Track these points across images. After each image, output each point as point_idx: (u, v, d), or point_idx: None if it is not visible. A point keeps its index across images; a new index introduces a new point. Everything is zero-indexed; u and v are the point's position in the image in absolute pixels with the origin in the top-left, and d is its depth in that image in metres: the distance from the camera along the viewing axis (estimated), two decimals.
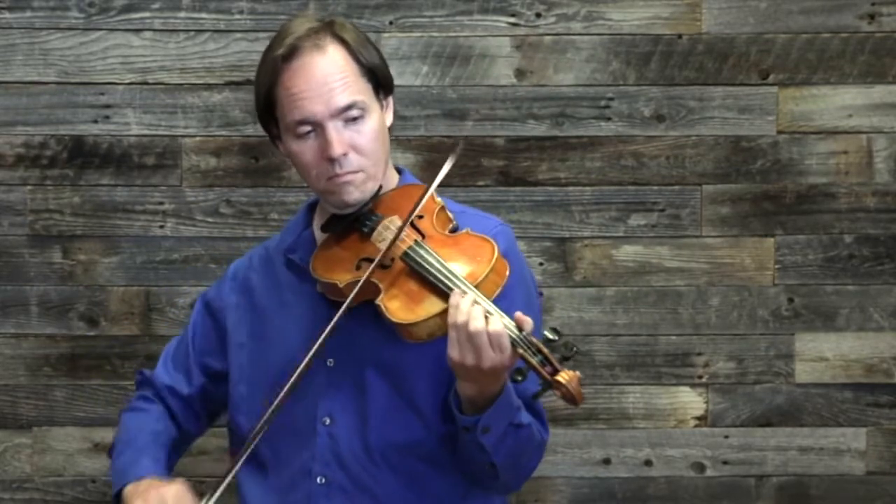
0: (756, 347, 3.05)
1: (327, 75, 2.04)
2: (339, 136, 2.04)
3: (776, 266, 3.05)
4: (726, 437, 3.06)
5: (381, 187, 2.10)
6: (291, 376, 1.98)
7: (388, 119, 2.14)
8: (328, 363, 2.08)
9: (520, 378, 1.87)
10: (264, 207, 3.01)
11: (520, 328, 1.87)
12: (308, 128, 2.05)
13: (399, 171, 2.21)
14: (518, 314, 1.88)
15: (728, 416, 3.06)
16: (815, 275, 3.04)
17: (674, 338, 3.05)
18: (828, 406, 3.06)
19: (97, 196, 3.00)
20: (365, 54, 2.08)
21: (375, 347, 2.04)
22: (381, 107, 2.11)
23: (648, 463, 3.06)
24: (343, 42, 2.07)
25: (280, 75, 2.06)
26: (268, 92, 2.08)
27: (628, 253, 3.04)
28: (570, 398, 1.82)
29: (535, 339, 1.85)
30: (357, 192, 2.07)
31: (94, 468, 3.03)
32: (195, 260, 3.01)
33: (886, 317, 3.05)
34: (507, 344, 1.86)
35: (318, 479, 2.07)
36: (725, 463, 3.06)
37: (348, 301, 1.97)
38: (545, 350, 1.84)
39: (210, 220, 3.01)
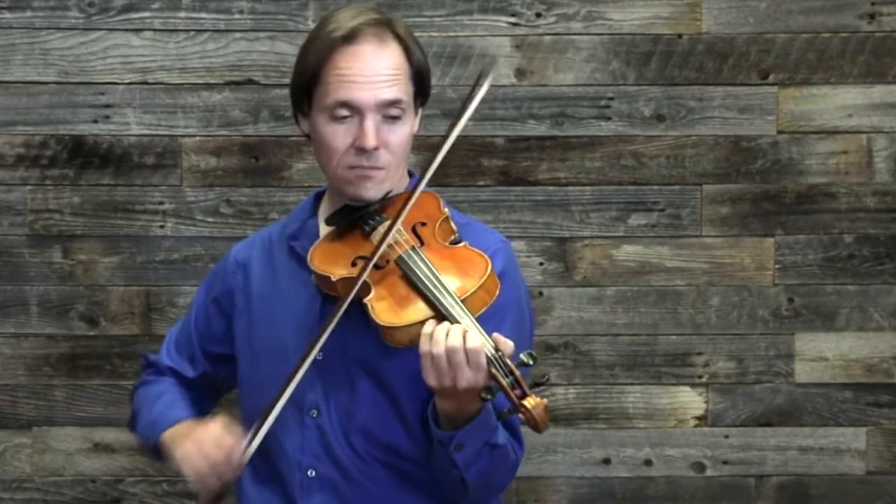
0: (756, 347, 3.05)
1: (382, 68, 2.04)
2: (375, 129, 2.04)
3: (776, 266, 3.05)
4: (726, 436, 3.06)
5: (391, 190, 2.11)
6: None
7: (415, 127, 2.15)
8: (317, 357, 2.08)
9: (488, 396, 1.87)
10: (264, 207, 3.02)
11: (496, 348, 1.86)
12: (347, 112, 2.04)
13: (411, 175, 2.22)
14: (496, 335, 1.88)
15: (728, 416, 3.06)
16: (815, 275, 3.04)
17: (674, 338, 3.05)
18: (828, 406, 3.06)
19: (97, 196, 3.00)
20: (418, 56, 2.10)
21: (363, 347, 2.04)
22: (416, 114, 2.13)
23: (648, 463, 3.06)
24: (402, 42, 2.08)
25: (334, 55, 2.04)
26: (315, 68, 2.06)
27: (628, 253, 3.04)
28: (534, 424, 1.83)
29: (509, 361, 1.85)
30: (373, 189, 2.08)
31: (94, 468, 3.03)
32: (195, 260, 3.01)
33: (886, 317, 3.05)
34: (483, 361, 1.86)
35: (309, 472, 2.08)
36: (725, 463, 3.06)
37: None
38: (517, 373, 1.85)
39: (210, 220, 3.01)
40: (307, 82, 2.08)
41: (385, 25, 2.07)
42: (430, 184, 2.09)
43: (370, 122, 2.04)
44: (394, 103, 2.04)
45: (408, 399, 2.04)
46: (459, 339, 1.85)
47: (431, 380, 1.88)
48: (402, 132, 2.07)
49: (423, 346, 1.88)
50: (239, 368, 2.21)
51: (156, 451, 2.17)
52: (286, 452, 2.09)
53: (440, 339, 1.87)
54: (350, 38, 2.04)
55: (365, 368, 2.06)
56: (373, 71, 2.03)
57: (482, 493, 2.06)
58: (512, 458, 2.05)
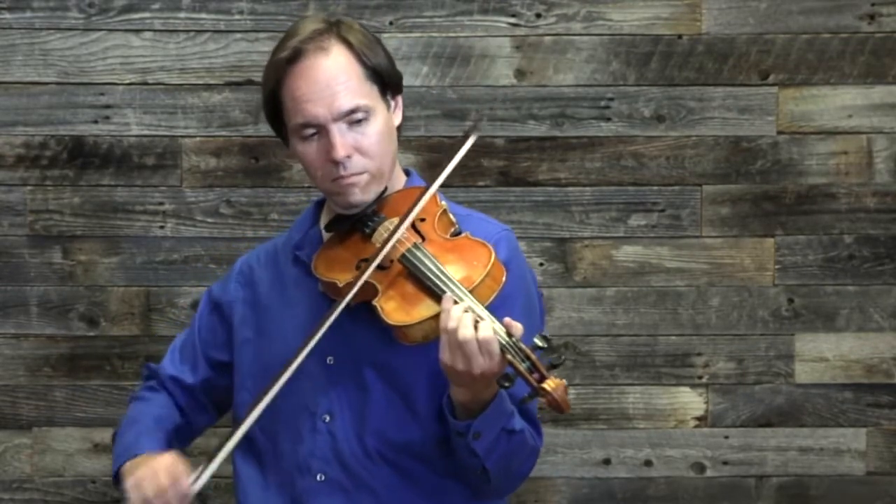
0: (756, 348, 3.05)
1: (330, 78, 2.04)
2: (342, 139, 2.04)
3: (776, 266, 3.05)
4: (726, 437, 3.06)
5: (386, 188, 2.10)
6: (286, 367, 1.98)
7: (397, 119, 2.14)
8: (328, 361, 2.09)
9: (507, 384, 1.88)
10: (264, 208, 3.01)
11: (509, 334, 1.87)
12: (312, 130, 2.05)
13: (407, 172, 2.21)
14: (507, 320, 1.88)
15: (728, 417, 3.06)
16: (815, 275, 3.04)
17: (674, 338, 3.05)
18: (828, 406, 3.06)
19: (97, 196, 3.00)
20: (370, 56, 2.08)
21: (374, 347, 2.04)
22: (388, 108, 2.11)
23: (648, 463, 3.06)
24: (347, 44, 2.07)
25: (284, 78, 2.06)
26: (273, 94, 2.09)
27: (628, 253, 3.04)
28: (556, 406, 1.83)
29: (524, 346, 1.86)
30: (361, 194, 2.08)
31: (94, 468, 3.03)
32: (195, 260, 3.01)
33: (886, 317, 3.05)
34: (496, 350, 1.86)
35: (318, 477, 2.08)
36: (725, 463, 3.06)
37: (346, 300, 1.97)
38: (533, 357, 1.85)
39: (210, 220, 3.01)
40: (272, 110, 2.11)
41: (328, 33, 2.07)
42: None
43: (335, 134, 2.04)
44: (352, 111, 2.04)
45: (422, 395, 2.04)
46: (471, 331, 1.86)
47: (446, 358, 1.88)
48: (373, 133, 2.06)
49: (443, 321, 1.88)
50: (240, 384, 2.19)
51: (116, 482, 2.15)
52: (296, 457, 2.10)
53: (455, 315, 1.87)
54: (294, 57, 2.05)
55: (377, 369, 2.07)
56: (322, 85, 2.04)
57: (503, 480, 2.06)
58: (531, 444, 2.06)
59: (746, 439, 3.06)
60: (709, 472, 3.07)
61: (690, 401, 3.06)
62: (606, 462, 3.06)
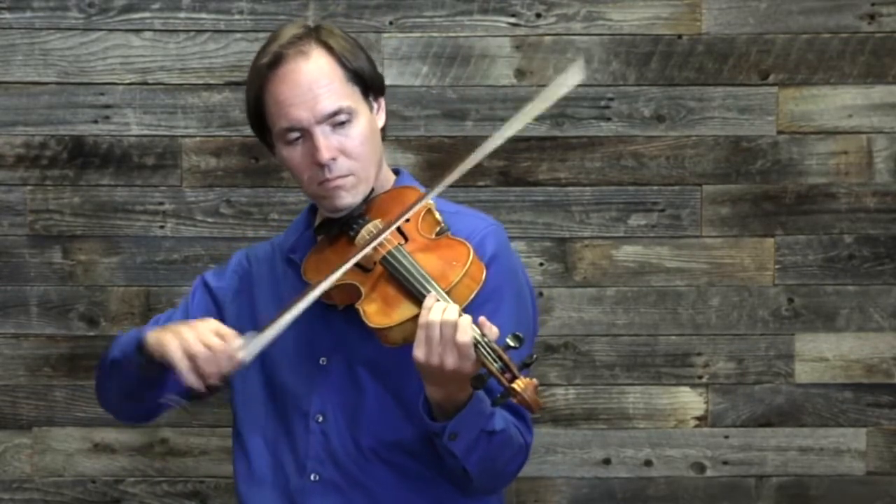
0: (756, 347, 3.05)
1: (312, 81, 2.05)
2: (326, 141, 2.04)
3: (776, 266, 3.05)
4: (726, 437, 3.06)
5: (373, 190, 2.11)
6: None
7: (380, 121, 2.15)
8: (321, 362, 2.09)
9: (479, 385, 1.88)
10: (264, 207, 3.02)
11: (483, 334, 1.87)
12: (296, 134, 2.06)
13: (397, 172, 2.21)
14: (481, 319, 1.89)
15: (728, 417, 3.06)
16: (815, 275, 3.04)
17: (674, 338, 3.05)
18: (828, 406, 3.06)
19: (97, 196, 3.00)
20: (351, 59, 2.09)
21: (366, 347, 2.05)
22: (371, 109, 2.12)
23: (648, 463, 3.06)
24: (328, 47, 2.08)
25: (266, 83, 2.08)
26: (256, 101, 2.11)
27: (628, 253, 3.04)
28: (527, 405, 1.84)
29: (496, 346, 1.86)
30: (348, 196, 2.08)
31: (94, 468, 3.03)
32: (195, 260, 3.01)
33: (886, 317, 3.05)
34: (472, 353, 1.86)
35: (312, 476, 2.08)
36: (725, 463, 3.06)
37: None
38: (505, 357, 1.85)
39: (210, 220, 3.01)
40: (256, 117, 2.13)
41: (307, 38, 2.08)
42: (428, 184, 2.09)
43: (319, 137, 2.05)
44: (335, 113, 2.05)
45: (414, 394, 2.05)
46: (454, 315, 1.86)
47: (420, 354, 1.88)
48: (357, 134, 2.07)
49: (422, 317, 1.88)
50: (237, 377, 2.19)
51: (137, 357, 2.06)
52: (290, 457, 2.10)
53: (437, 310, 1.88)
54: (275, 62, 2.07)
55: (369, 369, 2.07)
56: (304, 88, 2.05)
57: (489, 480, 2.06)
58: (519, 441, 2.05)
59: (746, 439, 3.06)
60: (709, 472, 3.07)
61: (690, 401, 3.06)
62: (606, 462, 3.06)
